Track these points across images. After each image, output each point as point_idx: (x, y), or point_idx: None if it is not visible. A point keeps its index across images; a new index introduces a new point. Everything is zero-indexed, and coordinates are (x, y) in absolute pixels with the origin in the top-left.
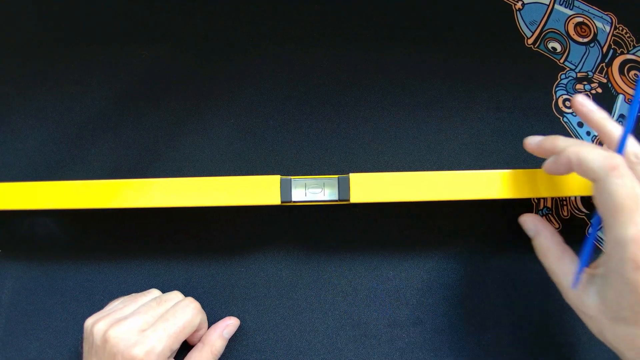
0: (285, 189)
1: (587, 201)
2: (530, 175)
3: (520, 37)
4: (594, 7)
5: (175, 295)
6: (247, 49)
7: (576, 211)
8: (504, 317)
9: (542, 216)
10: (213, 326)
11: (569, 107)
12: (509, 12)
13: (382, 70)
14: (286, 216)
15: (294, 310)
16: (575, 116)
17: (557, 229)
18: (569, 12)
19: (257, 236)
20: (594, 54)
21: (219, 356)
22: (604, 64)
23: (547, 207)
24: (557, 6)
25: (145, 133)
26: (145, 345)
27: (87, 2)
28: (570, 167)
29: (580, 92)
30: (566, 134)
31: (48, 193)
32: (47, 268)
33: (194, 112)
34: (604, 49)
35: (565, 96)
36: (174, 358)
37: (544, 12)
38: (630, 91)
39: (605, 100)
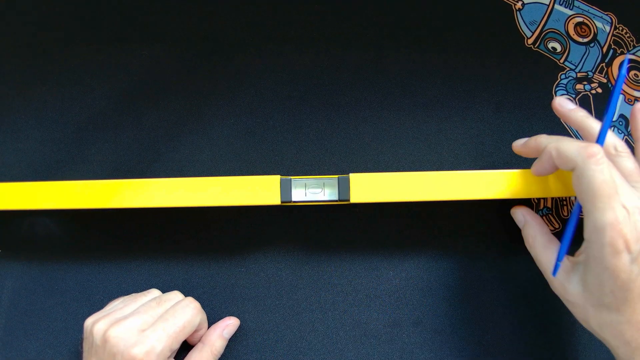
0: (285, 189)
1: None
2: (530, 175)
3: (520, 37)
4: (594, 7)
5: (175, 295)
6: (247, 49)
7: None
8: (504, 317)
9: (541, 216)
10: (213, 326)
11: None
12: (509, 12)
13: (382, 70)
14: (286, 216)
15: (294, 310)
16: None
17: (557, 228)
18: (569, 12)
19: (257, 236)
20: (594, 54)
21: (219, 356)
22: (604, 64)
23: (547, 207)
24: (557, 6)
25: (145, 133)
26: (145, 345)
27: (87, 2)
28: (552, 161)
29: (580, 92)
30: (566, 133)
31: (48, 193)
32: (47, 268)
33: (194, 112)
34: (604, 49)
35: (565, 96)
36: (174, 358)
37: (544, 12)
38: (631, 91)
39: (605, 100)
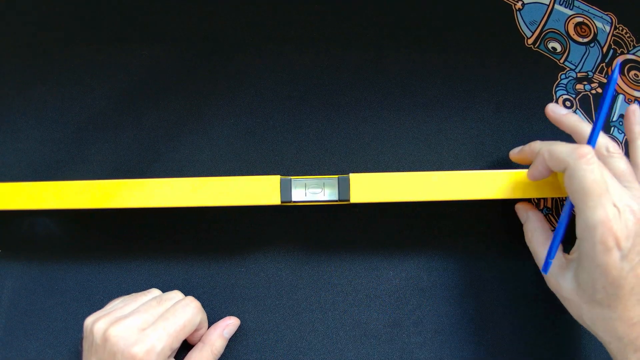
0: (285, 189)
1: None
2: None
3: (520, 37)
4: (594, 7)
5: (176, 295)
6: (247, 49)
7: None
8: (504, 317)
9: None
10: (213, 326)
11: (569, 107)
12: (509, 12)
13: (382, 70)
14: (286, 216)
15: (294, 310)
16: None
17: None
18: (569, 12)
19: (257, 236)
20: (594, 54)
21: (219, 356)
22: (604, 64)
23: (547, 207)
24: (557, 6)
25: (145, 133)
26: (145, 344)
27: (87, 2)
28: (545, 164)
29: (580, 92)
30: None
31: (48, 193)
32: (47, 268)
33: (194, 112)
34: (604, 49)
35: (565, 96)
36: (174, 357)
37: (544, 12)
38: (631, 91)
39: None
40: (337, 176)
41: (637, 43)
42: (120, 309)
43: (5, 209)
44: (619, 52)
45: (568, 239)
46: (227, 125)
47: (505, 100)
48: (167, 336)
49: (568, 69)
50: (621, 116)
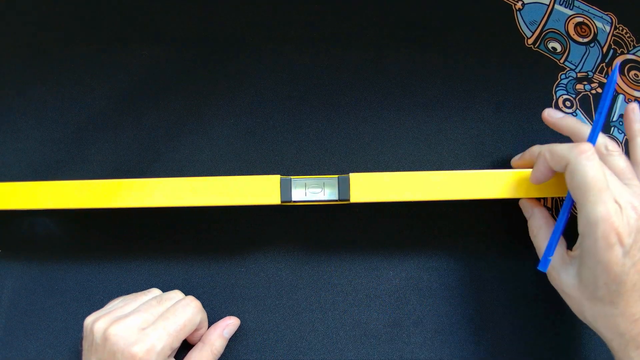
0: (285, 188)
1: None
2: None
3: (520, 37)
4: (594, 7)
5: (176, 294)
6: (247, 49)
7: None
8: (504, 317)
9: None
10: (213, 325)
11: (569, 107)
12: (509, 12)
13: (382, 70)
14: (286, 216)
15: (294, 310)
16: (575, 116)
17: None
18: (569, 12)
19: (257, 236)
20: (594, 54)
21: (219, 356)
22: (604, 64)
23: (547, 207)
24: (557, 6)
25: (145, 133)
26: (145, 343)
27: (87, 2)
28: (547, 164)
29: (580, 92)
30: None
31: (48, 193)
32: (47, 268)
33: (194, 112)
34: (604, 49)
35: (565, 96)
36: (174, 357)
37: (544, 12)
38: (631, 91)
39: None
40: (337, 176)
41: (637, 43)
42: (120, 309)
43: (5, 209)
44: (619, 52)
45: (570, 236)
46: (227, 125)
47: (505, 100)
48: (167, 335)
49: (568, 69)
50: (621, 116)
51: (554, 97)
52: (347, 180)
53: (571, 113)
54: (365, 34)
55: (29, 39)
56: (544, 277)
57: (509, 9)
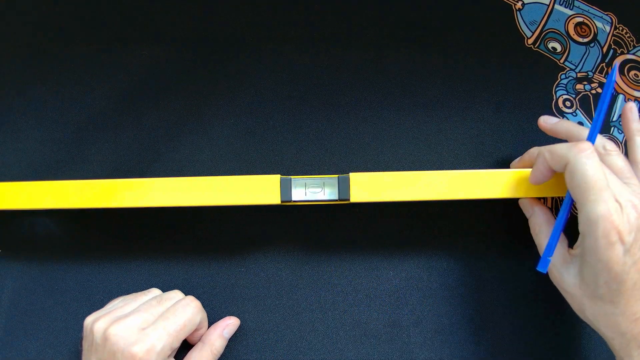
0: (285, 188)
1: None
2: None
3: (520, 37)
4: (594, 7)
5: (176, 294)
6: (247, 49)
7: (576, 210)
8: (504, 317)
9: None
10: (213, 326)
11: (569, 107)
12: (509, 12)
13: (382, 70)
14: (286, 216)
15: (294, 310)
16: (575, 116)
17: None
18: (569, 12)
19: (257, 236)
20: (594, 54)
21: (218, 356)
22: (604, 64)
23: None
24: (557, 6)
25: (145, 133)
26: (145, 343)
27: (87, 2)
28: (547, 164)
29: (580, 92)
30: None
31: (48, 193)
32: (47, 268)
33: (194, 112)
34: (604, 49)
35: (565, 96)
36: (174, 357)
37: (544, 12)
38: (631, 91)
39: None
40: (337, 175)
41: (637, 43)
42: (120, 309)
43: (5, 209)
44: (619, 52)
45: (571, 236)
46: (227, 125)
47: (505, 100)
48: (167, 335)
49: (568, 69)
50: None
51: (554, 97)
52: (347, 180)
53: (571, 113)
54: (365, 34)
55: (29, 39)
56: (544, 277)
57: (509, 9)
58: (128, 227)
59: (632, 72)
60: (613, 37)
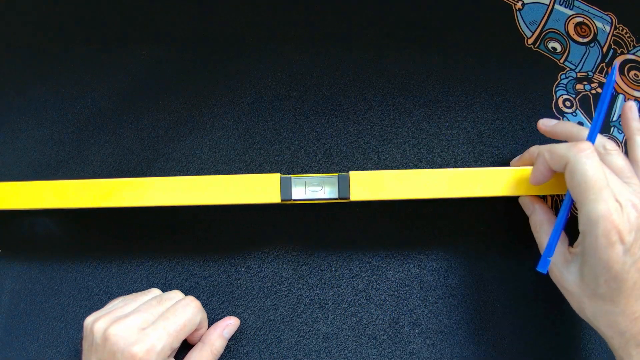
0: (285, 187)
1: None
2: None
3: (520, 37)
4: (594, 7)
5: (176, 294)
6: (247, 49)
7: (576, 210)
8: (504, 317)
9: None
10: (213, 326)
11: (569, 107)
12: (509, 12)
13: (382, 70)
14: (286, 215)
15: (294, 310)
16: (575, 116)
17: None
18: (569, 12)
19: (257, 236)
20: (594, 54)
21: (218, 356)
22: (604, 64)
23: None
24: (557, 6)
25: (145, 133)
26: (145, 343)
27: (87, 2)
28: (547, 164)
29: (580, 92)
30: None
31: (48, 193)
32: (47, 268)
33: (194, 112)
34: (604, 49)
35: (565, 96)
36: (174, 357)
37: (544, 12)
38: (631, 91)
39: None
40: (337, 174)
41: (637, 43)
42: (120, 309)
43: (5, 209)
44: (619, 52)
45: (572, 235)
46: (227, 125)
47: (505, 100)
48: (167, 335)
49: (568, 69)
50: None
51: (554, 97)
52: (347, 178)
53: (571, 113)
54: (365, 34)
55: (29, 39)
56: (544, 277)
57: (509, 9)
58: (128, 227)
59: (632, 72)
60: (613, 37)
